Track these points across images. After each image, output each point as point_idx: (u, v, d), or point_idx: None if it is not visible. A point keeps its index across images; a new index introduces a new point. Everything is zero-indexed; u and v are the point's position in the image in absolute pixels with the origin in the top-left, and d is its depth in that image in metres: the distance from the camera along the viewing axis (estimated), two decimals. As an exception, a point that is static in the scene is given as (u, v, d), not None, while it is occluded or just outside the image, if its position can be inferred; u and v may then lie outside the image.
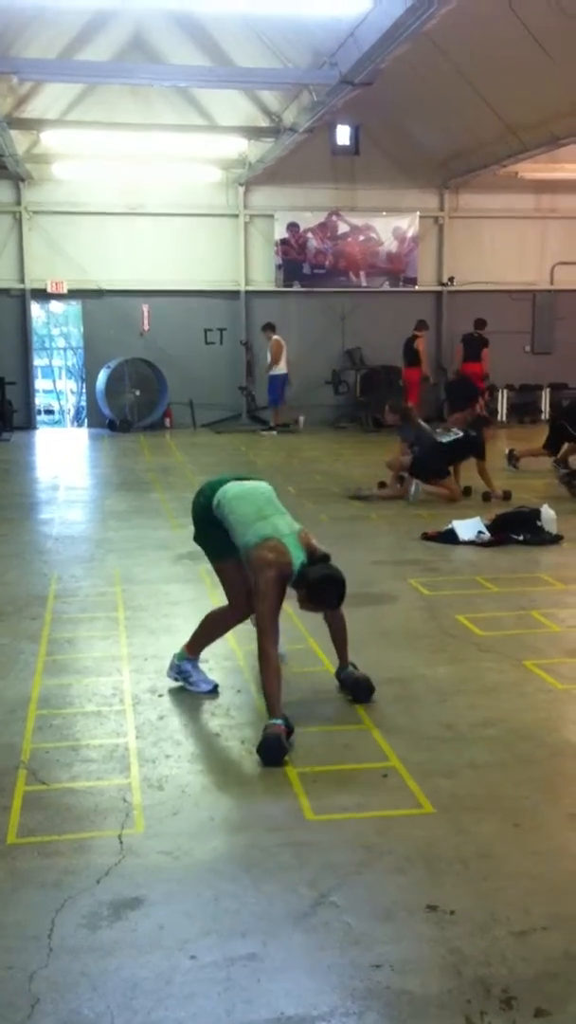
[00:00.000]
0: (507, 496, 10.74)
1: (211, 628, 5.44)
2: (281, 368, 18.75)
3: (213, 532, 5.17)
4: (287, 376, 18.85)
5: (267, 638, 4.74)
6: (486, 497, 10.83)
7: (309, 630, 6.24)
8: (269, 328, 18.89)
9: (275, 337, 18.77)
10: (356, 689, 5.19)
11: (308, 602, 4.98)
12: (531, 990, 2.91)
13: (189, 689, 5.34)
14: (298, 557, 4.87)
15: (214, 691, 5.32)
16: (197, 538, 5.42)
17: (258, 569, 4.81)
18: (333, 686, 5.35)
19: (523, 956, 3.06)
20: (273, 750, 4.48)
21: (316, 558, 4.93)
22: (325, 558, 4.96)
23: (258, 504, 5.06)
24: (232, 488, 5.17)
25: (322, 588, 4.90)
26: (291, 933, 3.19)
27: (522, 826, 3.87)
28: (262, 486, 5.28)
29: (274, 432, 18.65)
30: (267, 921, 3.25)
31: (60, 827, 3.88)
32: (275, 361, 18.70)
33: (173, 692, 5.33)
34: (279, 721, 4.61)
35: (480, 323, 18.98)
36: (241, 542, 4.95)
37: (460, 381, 17.07)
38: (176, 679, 5.41)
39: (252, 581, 4.88)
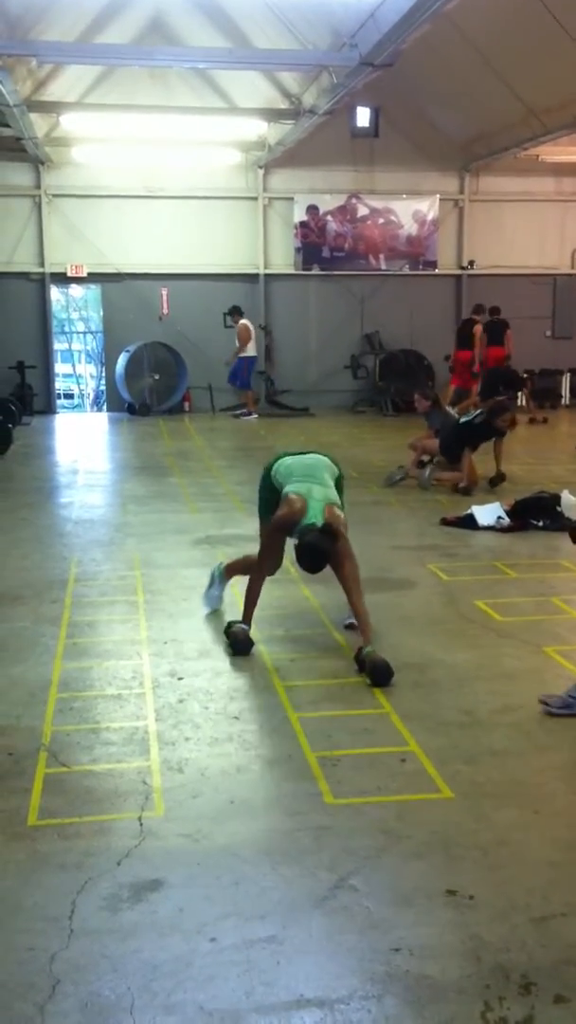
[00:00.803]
0: (467, 492, 10.41)
1: (245, 565, 6.20)
2: (250, 351, 18.66)
3: (268, 497, 5.97)
4: (255, 360, 18.76)
5: (260, 561, 5.85)
6: (464, 490, 10.54)
7: (331, 621, 6.25)
8: (236, 312, 18.75)
9: (242, 322, 18.65)
10: (375, 672, 5.24)
11: (298, 552, 5.60)
12: (550, 976, 2.91)
13: (204, 595, 6.40)
14: (312, 518, 5.53)
15: (213, 612, 6.27)
16: (259, 501, 6.18)
17: (278, 509, 5.69)
18: (352, 671, 5.36)
19: (542, 943, 3.06)
20: (241, 642, 5.62)
21: (325, 528, 5.49)
22: (329, 533, 5.48)
23: (308, 468, 5.85)
24: (288, 459, 6.00)
25: (301, 551, 5.54)
26: (310, 916, 3.20)
27: (541, 813, 3.87)
28: (318, 457, 6.04)
29: (253, 416, 18.56)
30: (286, 904, 3.26)
31: (80, 809, 3.90)
32: (243, 344, 18.58)
33: (192, 676, 5.34)
34: (245, 626, 5.71)
35: (494, 310, 18.84)
36: (282, 490, 5.75)
37: (499, 370, 17.07)
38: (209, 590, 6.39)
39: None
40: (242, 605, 5.87)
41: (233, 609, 6.17)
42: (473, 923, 3.15)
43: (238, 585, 6.30)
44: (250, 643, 5.68)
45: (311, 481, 5.72)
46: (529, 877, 3.41)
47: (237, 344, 18.65)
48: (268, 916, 3.20)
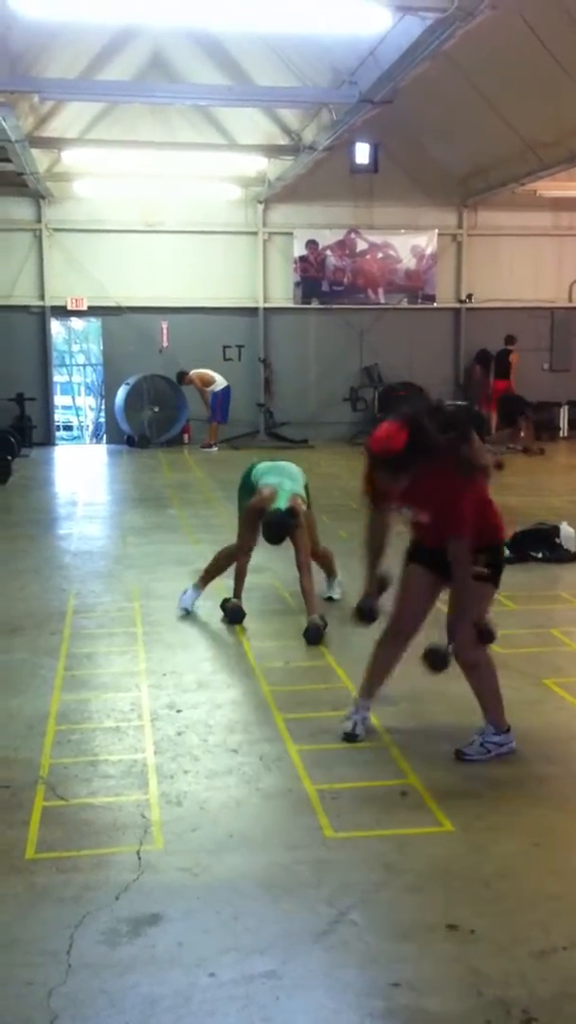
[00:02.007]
0: None
1: (221, 561, 7.24)
2: (219, 385, 18.52)
3: (245, 491, 7.16)
4: (228, 389, 18.63)
5: (241, 542, 7.01)
6: None
7: (331, 651, 6.25)
8: (182, 376, 18.55)
9: (192, 373, 18.46)
10: (306, 633, 6.51)
11: (263, 528, 6.80)
12: (551, 1011, 2.89)
13: (179, 605, 7.19)
14: (278, 503, 6.75)
15: (188, 613, 7.13)
16: (238, 497, 7.36)
17: (254, 499, 6.90)
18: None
19: (543, 976, 3.04)
20: (233, 611, 6.84)
21: (288, 511, 6.73)
22: (292, 514, 6.73)
23: (278, 471, 7.13)
24: (263, 464, 7.32)
25: (267, 525, 6.73)
26: (310, 951, 3.18)
27: (541, 845, 3.85)
28: (290, 464, 7.31)
29: (214, 448, 18.54)
30: (286, 939, 3.24)
31: (79, 843, 3.88)
32: (207, 387, 18.47)
33: (191, 708, 5.33)
34: (238, 600, 6.91)
35: (509, 339, 19.27)
36: (258, 483, 7.01)
37: (510, 398, 17.44)
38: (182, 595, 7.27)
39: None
40: (233, 584, 7.02)
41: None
42: (473, 957, 3.13)
43: (227, 579, 7.15)
44: (242, 613, 6.88)
45: (282, 477, 7.01)
46: (530, 910, 3.40)
47: (203, 392, 18.52)
48: (268, 951, 3.18)
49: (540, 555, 8.82)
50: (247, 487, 7.17)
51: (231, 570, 7.14)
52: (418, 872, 3.64)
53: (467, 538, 4.57)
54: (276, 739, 4.91)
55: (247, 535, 7.00)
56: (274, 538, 6.78)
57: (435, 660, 4.67)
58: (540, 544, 8.92)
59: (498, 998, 2.94)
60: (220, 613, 7.02)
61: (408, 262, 20.45)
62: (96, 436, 23.52)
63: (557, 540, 8.94)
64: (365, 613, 5.02)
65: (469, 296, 20.70)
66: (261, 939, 3.24)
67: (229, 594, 7.09)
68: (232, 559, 7.18)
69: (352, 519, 10.85)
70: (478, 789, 4.34)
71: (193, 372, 18.50)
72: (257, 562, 7.73)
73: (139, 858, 3.76)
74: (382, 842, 3.87)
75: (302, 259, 20.10)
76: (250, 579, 7.24)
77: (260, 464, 7.29)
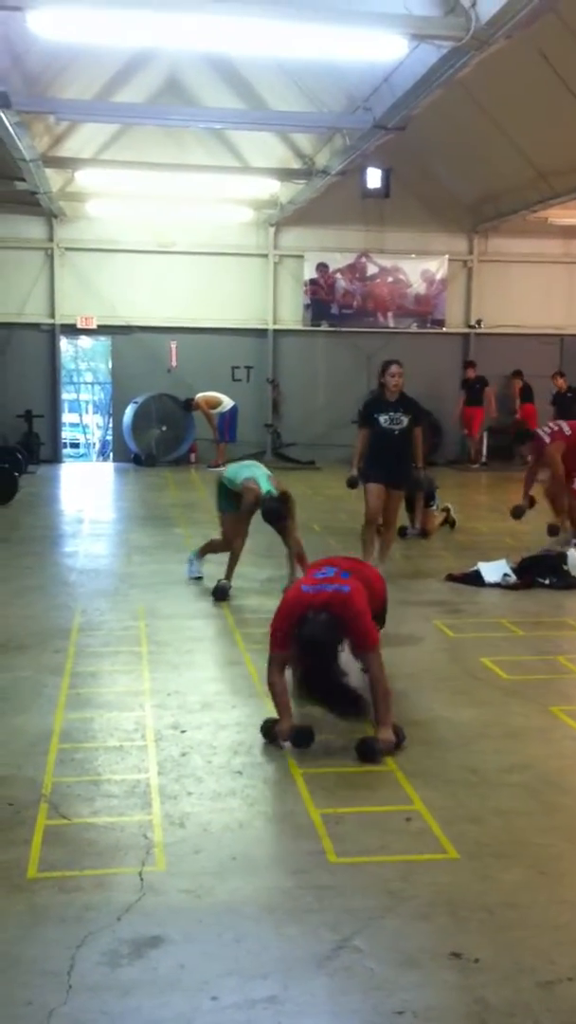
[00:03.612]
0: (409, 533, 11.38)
1: (211, 545, 8.78)
2: (225, 406, 18.49)
3: (223, 496, 8.47)
4: (235, 408, 18.57)
5: (233, 538, 8.40)
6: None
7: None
8: (187, 404, 18.68)
9: (199, 397, 18.52)
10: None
11: (263, 516, 7.98)
12: (557, 1043, 2.85)
13: (186, 573, 8.82)
14: (265, 488, 8.03)
15: (198, 579, 8.72)
16: (217, 500, 8.68)
17: (243, 493, 8.14)
18: (358, 729, 5.31)
19: (548, 1007, 3.01)
20: (220, 590, 8.12)
21: (279, 493, 8.02)
22: (283, 495, 8.06)
23: (248, 466, 8.51)
24: (232, 465, 8.72)
25: (268, 510, 7.93)
26: (313, 976, 3.15)
27: (548, 874, 3.82)
28: (254, 462, 8.84)
29: (221, 468, 18.49)
30: (289, 963, 3.21)
31: (81, 862, 3.86)
32: (213, 409, 18.46)
33: (195, 728, 5.31)
34: (228, 582, 8.26)
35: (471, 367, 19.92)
36: (236, 482, 8.23)
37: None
38: (188, 567, 8.86)
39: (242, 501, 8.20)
40: (227, 567, 8.34)
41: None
42: (478, 986, 3.10)
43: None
44: (227, 590, 8.18)
45: (254, 468, 8.38)
46: (535, 939, 3.36)
47: (209, 415, 18.58)
48: (270, 975, 3.15)
49: (547, 582, 8.80)
50: (224, 490, 8.44)
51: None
52: (423, 899, 3.61)
53: (377, 647, 5.06)
54: (280, 761, 4.89)
55: (243, 530, 8.37)
56: (276, 518, 8.00)
57: (365, 752, 4.90)
58: (548, 571, 8.90)
59: (503, 1029, 2.91)
60: (227, 636, 7.03)
61: (418, 287, 20.52)
62: (103, 454, 23.57)
63: (565, 567, 8.92)
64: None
65: (479, 322, 20.76)
66: (263, 963, 3.21)
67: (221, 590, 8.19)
68: (224, 547, 8.54)
69: (358, 540, 10.85)
70: (484, 816, 4.30)
71: (199, 396, 18.57)
72: (267, 579, 7.74)
73: (141, 879, 3.73)
74: (386, 868, 3.84)
75: (312, 282, 20.18)
76: (259, 601, 7.26)
77: (230, 466, 8.69)
